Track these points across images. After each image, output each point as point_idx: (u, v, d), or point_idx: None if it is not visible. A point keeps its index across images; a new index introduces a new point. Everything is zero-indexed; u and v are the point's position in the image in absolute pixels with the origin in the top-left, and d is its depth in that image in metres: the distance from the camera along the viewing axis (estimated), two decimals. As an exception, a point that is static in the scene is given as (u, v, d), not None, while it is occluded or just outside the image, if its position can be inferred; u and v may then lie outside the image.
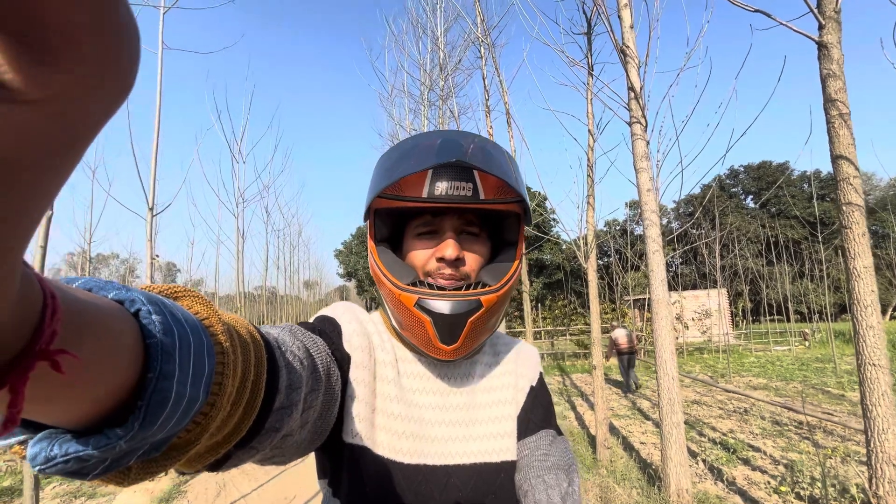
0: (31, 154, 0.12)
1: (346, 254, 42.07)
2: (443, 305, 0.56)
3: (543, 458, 0.63)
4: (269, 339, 0.40)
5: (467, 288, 0.59)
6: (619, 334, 8.12)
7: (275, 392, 0.38)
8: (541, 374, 0.73)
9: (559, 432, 0.68)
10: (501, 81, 6.12)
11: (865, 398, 2.09)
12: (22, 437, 0.22)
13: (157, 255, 4.04)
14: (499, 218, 0.65)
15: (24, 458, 0.22)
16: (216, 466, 0.36)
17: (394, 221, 0.65)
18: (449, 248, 0.58)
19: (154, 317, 0.23)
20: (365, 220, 0.65)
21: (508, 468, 0.63)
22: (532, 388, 0.70)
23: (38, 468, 0.21)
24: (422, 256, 0.62)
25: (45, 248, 2.50)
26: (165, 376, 0.23)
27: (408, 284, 0.59)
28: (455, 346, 0.58)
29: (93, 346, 0.19)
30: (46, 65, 0.11)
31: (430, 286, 0.58)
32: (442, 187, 0.57)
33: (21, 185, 0.12)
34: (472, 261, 0.62)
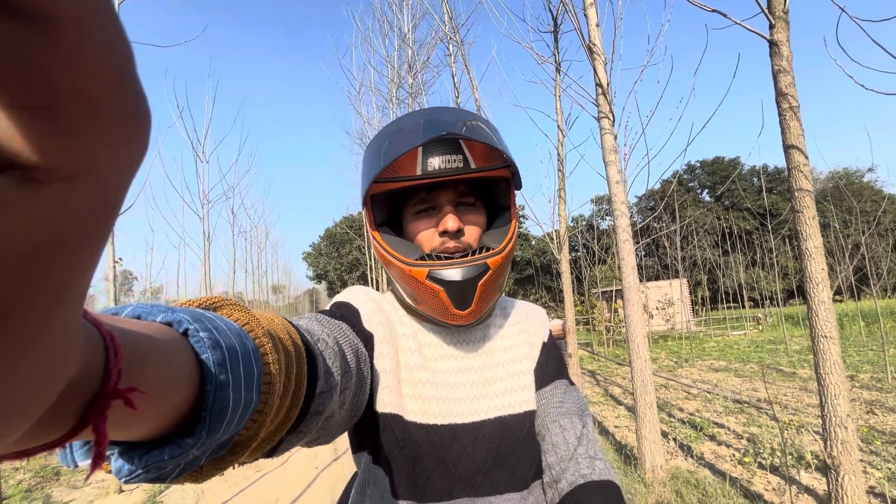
0: (73, 229, 0.12)
1: (315, 255, 41.20)
2: (453, 273, 0.59)
3: (559, 405, 0.67)
4: (302, 331, 0.42)
5: (472, 255, 0.62)
6: (555, 323, 10.07)
7: (315, 379, 0.40)
8: (550, 331, 0.77)
9: (571, 382, 0.73)
10: (471, 79, 6.18)
11: (819, 367, 2.27)
12: (106, 453, 0.24)
13: (120, 259, 3.84)
14: (490, 184, 0.68)
15: (109, 471, 0.25)
16: (271, 453, 0.38)
17: (390, 205, 0.67)
18: (450, 221, 0.62)
19: (202, 334, 0.25)
20: (362, 207, 0.67)
21: (531, 417, 0.67)
22: (544, 343, 0.75)
23: (123, 479, 0.24)
24: (424, 233, 0.64)
25: None
26: (222, 387, 0.25)
27: (416, 259, 0.61)
28: (470, 309, 0.61)
29: (154, 375, 0.21)
30: (70, 136, 0.11)
31: (438, 258, 0.61)
32: (434, 162, 0.60)
33: (67, 262, 0.12)
34: (472, 230, 0.65)
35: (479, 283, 0.60)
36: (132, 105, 0.13)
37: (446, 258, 0.61)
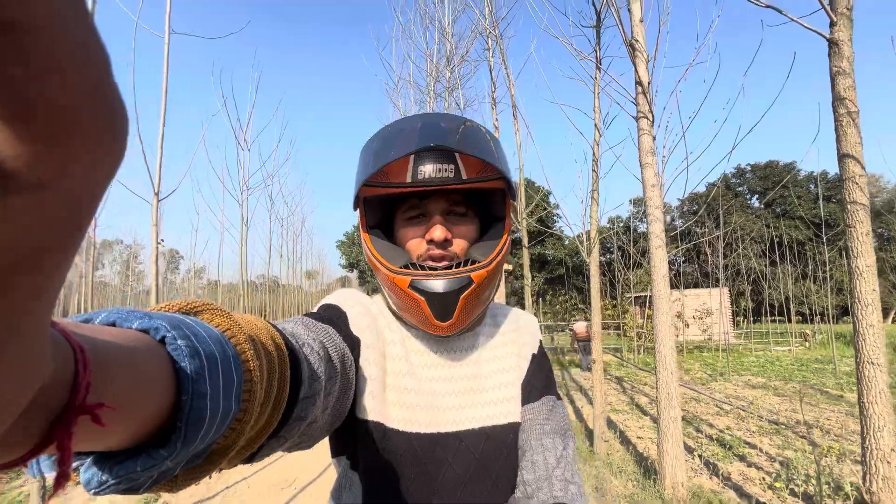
0: (42, 238, 0.12)
1: (349, 245, 42.10)
2: (435, 284, 0.58)
3: (544, 423, 0.66)
4: (287, 335, 0.41)
5: (457, 266, 0.61)
6: (580, 326, 10.64)
7: (298, 385, 0.39)
8: (540, 342, 0.75)
9: (558, 397, 0.71)
10: (508, 74, 6.09)
11: (863, 396, 2.10)
12: (73, 465, 0.23)
13: (163, 240, 4.07)
14: (485, 195, 0.66)
15: (77, 483, 0.24)
16: (250, 459, 0.37)
17: (383, 207, 0.67)
18: (437, 231, 0.61)
19: (179, 341, 0.24)
20: (354, 208, 0.67)
21: (515, 429, 0.66)
22: (534, 355, 0.73)
23: (93, 491, 0.23)
24: (412, 240, 0.64)
25: None
26: (199, 396, 0.24)
27: (400, 267, 0.61)
28: (450, 321, 0.60)
29: (126, 387, 0.21)
30: (40, 145, 0.11)
31: (422, 267, 0.61)
32: (425, 171, 0.59)
33: (36, 272, 0.12)
34: (460, 240, 0.64)
35: (462, 297, 0.59)
36: (107, 114, 0.12)
37: (430, 268, 0.60)
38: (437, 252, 0.62)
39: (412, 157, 0.59)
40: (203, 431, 0.24)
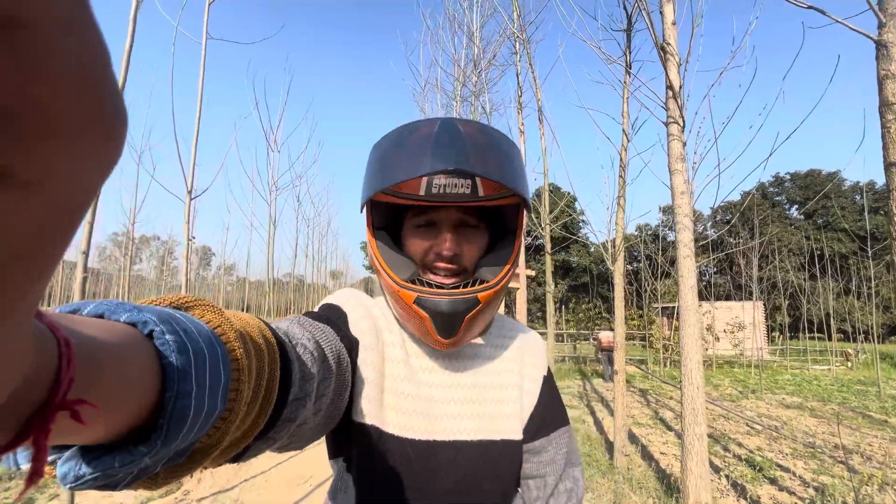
0: (27, 240, 0.11)
1: (373, 246, 42.60)
2: (441, 303, 0.57)
3: (567, 455, 0.69)
4: (279, 335, 0.41)
5: (465, 281, 0.59)
6: (605, 335, 10.29)
7: (288, 385, 0.39)
8: (548, 365, 0.74)
9: (568, 421, 0.71)
10: (535, 78, 6.04)
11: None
12: (50, 458, 0.23)
13: (194, 237, 4.22)
14: (499, 207, 0.64)
15: (54, 477, 0.23)
16: (237, 458, 0.37)
17: (390, 210, 0.65)
18: (446, 245, 0.59)
19: (167, 336, 0.24)
20: (361, 211, 0.65)
21: (510, 448, 0.64)
22: (545, 377, 0.71)
23: (69, 486, 0.23)
24: (420, 250, 0.62)
25: (86, 253, 2.66)
26: (183, 394, 0.24)
27: (406, 279, 0.59)
28: (454, 338, 0.59)
29: (110, 383, 0.20)
30: (29, 142, 0.10)
31: (429, 284, 0.59)
32: (440, 184, 0.56)
33: (19, 274, 0.12)
34: (469, 253, 0.62)
35: (467, 317, 0.57)
36: (103, 112, 0.12)
37: (437, 285, 0.59)
38: (444, 265, 0.61)
39: None
40: (185, 430, 0.24)
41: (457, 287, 0.59)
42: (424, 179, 0.56)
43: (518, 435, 0.65)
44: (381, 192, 0.59)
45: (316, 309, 0.65)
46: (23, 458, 0.20)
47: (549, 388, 0.71)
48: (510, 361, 0.70)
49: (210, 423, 0.26)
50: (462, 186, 0.56)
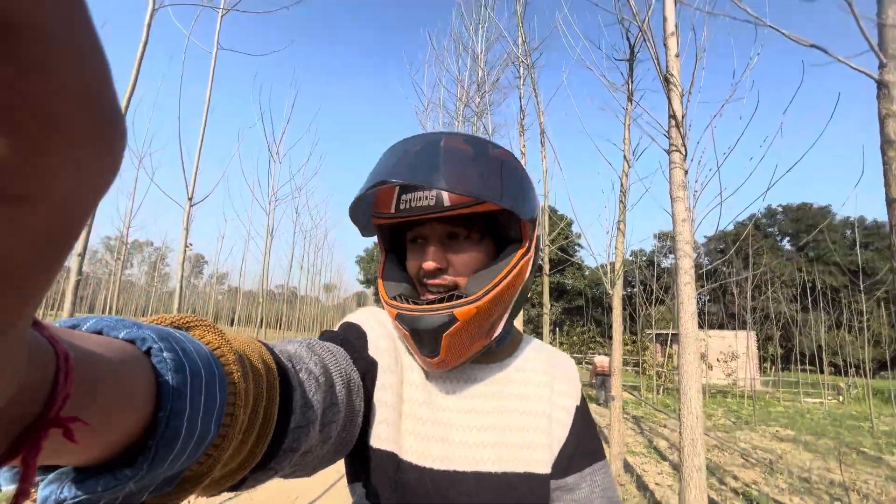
0: (22, 254, 0.11)
1: (368, 260, 42.53)
2: (415, 319, 0.54)
3: (609, 490, 0.64)
4: (281, 359, 0.39)
5: (450, 298, 0.55)
6: (602, 360, 10.27)
7: (289, 413, 0.37)
8: (582, 394, 0.70)
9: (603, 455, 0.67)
10: (538, 102, 6.14)
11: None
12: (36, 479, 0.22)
13: (191, 244, 4.18)
14: (495, 214, 0.59)
15: (34, 501, 0.22)
16: (235, 488, 0.35)
17: (394, 232, 0.66)
18: (427, 259, 0.58)
19: (165, 354, 0.23)
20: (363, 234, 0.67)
21: (535, 481, 0.59)
22: (577, 407, 0.67)
23: None
24: (413, 267, 0.61)
25: (82, 255, 2.64)
26: (176, 414, 0.23)
27: (392, 297, 0.59)
28: (439, 358, 0.56)
29: (105, 400, 0.20)
30: (26, 155, 0.10)
31: (415, 301, 0.58)
32: (407, 200, 0.56)
33: (12, 291, 0.11)
34: (459, 266, 0.58)
35: (444, 335, 0.54)
36: (101, 124, 0.11)
37: (418, 301, 0.58)
38: (429, 280, 0.59)
39: (397, 187, 0.57)
40: (175, 453, 0.23)
41: (440, 300, 0.56)
42: (395, 195, 0.57)
43: (546, 468, 0.60)
44: (373, 213, 0.62)
45: (336, 328, 0.63)
46: (4, 478, 0.20)
47: (582, 418, 0.66)
48: (539, 387, 0.66)
49: (202, 448, 0.25)
50: (426, 199, 0.55)
